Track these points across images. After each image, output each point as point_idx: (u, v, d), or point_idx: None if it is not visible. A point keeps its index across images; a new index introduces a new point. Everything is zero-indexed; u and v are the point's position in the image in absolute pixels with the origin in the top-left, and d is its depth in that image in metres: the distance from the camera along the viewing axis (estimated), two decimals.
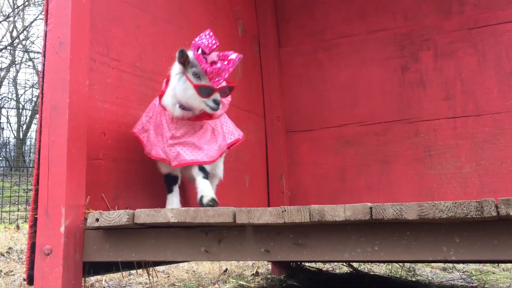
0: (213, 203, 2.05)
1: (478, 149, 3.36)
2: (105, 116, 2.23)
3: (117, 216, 1.73)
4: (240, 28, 3.66)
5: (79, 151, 1.90)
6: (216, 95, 2.08)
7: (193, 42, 2.10)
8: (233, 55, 2.05)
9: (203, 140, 2.19)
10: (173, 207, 2.02)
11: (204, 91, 2.05)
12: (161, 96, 2.24)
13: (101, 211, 1.84)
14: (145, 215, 1.70)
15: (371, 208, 1.47)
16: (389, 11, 3.71)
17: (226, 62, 2.04)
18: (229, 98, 2.28)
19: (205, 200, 2.07)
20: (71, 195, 1.83)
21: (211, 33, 2.11)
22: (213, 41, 2.10)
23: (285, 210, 1.54)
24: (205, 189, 2.13)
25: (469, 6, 3.51)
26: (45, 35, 1.96)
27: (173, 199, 2.28)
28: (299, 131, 3.86)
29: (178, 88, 2.11)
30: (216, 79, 2.02)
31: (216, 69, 2.02)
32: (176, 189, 2.31)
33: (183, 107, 2.14)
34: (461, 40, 3.49)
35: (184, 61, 2.10)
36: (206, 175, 2.19)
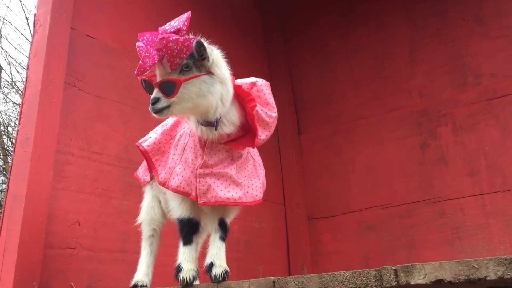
0: (224, 277, 1.54)
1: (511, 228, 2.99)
2: (81, 206, 2.31)
3: None
4: None
5: (34, 240, 1.97)
6: (155, 92, 1.50)
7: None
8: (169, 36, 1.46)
9: (243, 174, 1.65)
10: (191, 268, 1.60)
11: (146, 87, 1.55)
12: None
13: None
14: None
15: (274, 282, 1.35)
16: (404, 89, 3.62)
17: (149, 40, 1.49)
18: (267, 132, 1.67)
19: (216, 271, 1.56)
20: (20, 283, 1.87)
21: (184, 15, 1.54)
22: (175, 23, 1.51)
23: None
24: (220, 255, 1.61)
25: (485, 77, 3.34)
26: (17, 133, 2.15)
27: (191, 255, 1.62)
28: (320, 217, 3.70)
29: None
30: (145, 67, 1.47)
31: (139, 51, 1.49)
32: (196, 241, 1.67)
33: (202, 122, 1.60)
34: (481, 112, 3.29)
35: None
36: (226, 234, 1.65)
